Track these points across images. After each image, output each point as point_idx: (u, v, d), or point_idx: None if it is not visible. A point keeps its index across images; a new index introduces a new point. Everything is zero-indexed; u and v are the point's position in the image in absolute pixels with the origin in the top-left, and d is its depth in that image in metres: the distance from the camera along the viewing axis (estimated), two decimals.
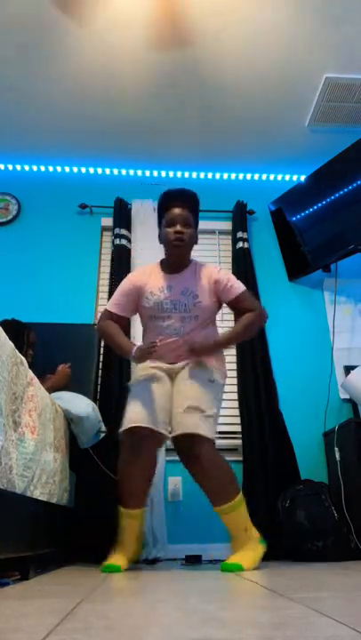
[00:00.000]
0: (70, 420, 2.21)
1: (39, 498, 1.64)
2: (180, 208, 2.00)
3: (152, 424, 1.81)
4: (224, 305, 2.10)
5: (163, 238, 2.05)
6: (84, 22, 2.47)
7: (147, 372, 1.96)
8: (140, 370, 2.00)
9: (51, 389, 2.14)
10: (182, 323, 1.98)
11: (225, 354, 2.10)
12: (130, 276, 2.16)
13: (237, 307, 2.03)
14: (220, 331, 2.18)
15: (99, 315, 3.12)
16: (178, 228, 1.99)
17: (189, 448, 1.79)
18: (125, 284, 2.10)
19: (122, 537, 1.85)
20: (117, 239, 3.19)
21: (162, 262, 2.12)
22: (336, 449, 2.59)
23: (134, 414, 1.84)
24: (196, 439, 1.77)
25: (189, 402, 1.82)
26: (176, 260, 2.06)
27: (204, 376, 1.91)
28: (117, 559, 1.79)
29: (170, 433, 1.86)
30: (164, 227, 2.03)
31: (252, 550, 1.78)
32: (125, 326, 2.15)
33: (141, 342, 2.06)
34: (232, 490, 1.81)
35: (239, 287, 2.03)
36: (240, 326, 1.99)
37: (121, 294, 2.07)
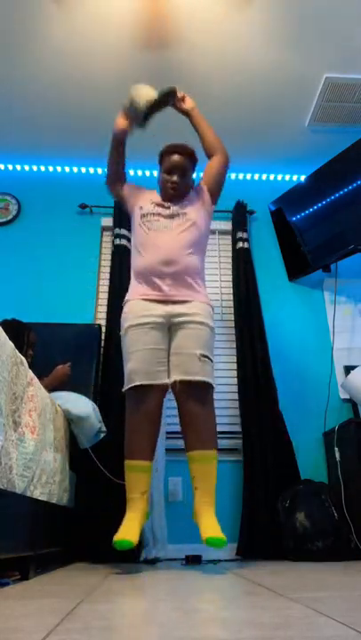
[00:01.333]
0: (70, 420, 2.22)
1: (39, 498, 1.64)
2: (179, 155, 2.16)
3: (152, 379, 1.88)
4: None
5: (159, 182, 2.22)
6: (74, 17, 2.47)
7: (140, 320, 1.97)
8: (133, 316, 2.00)
9: (45, 389, 2.14)
10: (172, 220, 2.10)
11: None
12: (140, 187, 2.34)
13: (207, 177, 2.27)
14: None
15: (99, 315, 3.14)
16: (174, 178, 2.15)
17: (199, 393, 1.88)
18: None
19: (130, 493, 1.84)
20: (117, 239, 3.19)
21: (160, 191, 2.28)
22: (336, 449, 2.59)
23: (134, 373, 1.90)
24: (207, 386, 1.90)
25: (202, 350, 1.92)
26: (173, 199, 2.20)
27: (210, 323, 2.00)
28: (129, 530, 1.71)
29: (172, 375, 1.90)
30: (163, 172, 2.19)
31: (215, 518, 1.77)
32: (121, 175, 2.30)
33: (132, 252, 2.18)
34: (216, 440, 1.90)
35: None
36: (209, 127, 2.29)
37: (138, 186, 2.31)
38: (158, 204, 2.16)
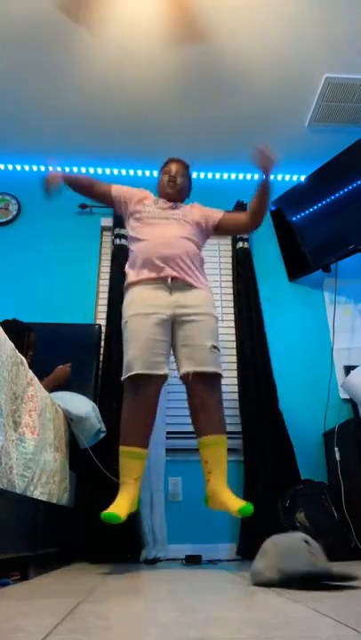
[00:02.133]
0: (70, 420, 2.21)
1: (39, 498, 1.64)
2: (175, 163, 2.34)
3: (151, 369, 1.90)
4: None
5: (158, 187, 2.33)
6: (93, 26, 2.47)
7: (145, 310, 1.99)
8: (137, 305, 2.02)
9: (45, 389, 2.14)
10: (167, 219, 2.17)
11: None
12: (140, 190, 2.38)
13: (230, 217, 2.34)
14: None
15: (99, 315, 3.14)
16: (173, 172, 2.29)
17: (210, 383, 1.95)
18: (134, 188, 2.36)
19: (123, 478, 1.87)
20: (117, 239, 3.19)
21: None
22: (336, 449, 2.59)
23: (134, 360, 1.91)
24: (218, 377, 1.97)
25: (212, 341, 1.98)
26: (169, 199, 2.28)
27: (214, 313, 2.07)
28: (118, 506, 1.75)
29: (184, 367, 1.95)
30: (162, 174, 2.33)
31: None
32: (95, 187, 2.35)
33: (130, 244, 2.20)
34: (226, 427, 1.97)
35: (220, 210, 2.34)
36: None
37: (128, 188, 2.35)
38: (155, 202, 2.25)
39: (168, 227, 2.14)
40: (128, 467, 1.87)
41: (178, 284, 2.03)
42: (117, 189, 2.32)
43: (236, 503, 1.74)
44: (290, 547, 1.22)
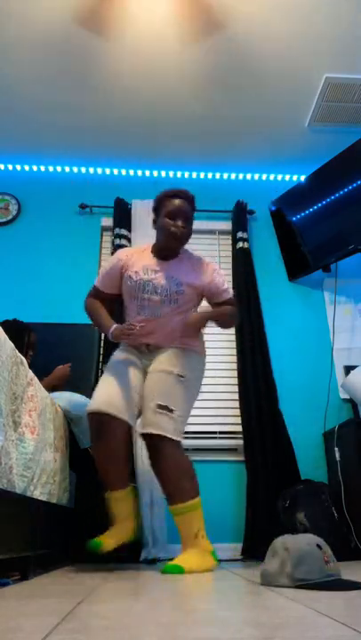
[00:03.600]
0: (70, 420, 2.22)
1: (39, 498, 1.64)
2: (182, 200, 1.99)
3: (116, 411, 1.81)
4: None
5: (159, 226, 2.01)
6: (110, 34, 2.47)
7: (122, 355, 2.00)
8: (117, 352, 2.06)
9: (45, 389, 2.14)
10: (161, 306, 1.97)
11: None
12: (119, 250, 2.19)
13: (220, 304, 2.06)
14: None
15: None
16: (180, 223, 1.97)
17: (155, 447, 1.82)
18: (113, 257, 2.13)
19: (113, 518, 1.84)
20: (117, 239, 3.19)
21: (153, 246, 2.10)
22: (336, 449, 2.59)
23: (100, 397, 1.85)
24: (163, 440, 1.79)
25: (160, 400, 1.83)
26: (168, 250, 2.05)
27: (174, 371, 1.90)
28: (104, 537, 1.76)
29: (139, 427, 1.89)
30: (164, 216, 1.98)
31: (198, 555, 1.74)
32: (112, 301, 2.16)
33: (125, 320, 2.09)
34: (189, 491, 1.81)
35: (229, 291, 2.07)
36: (228, 311, 2.02)
37: (106, 269, 2.10)
38: (143, 268, 2.00)
39: (161, 326, 1.98)
40: (114, 507, 1.84)
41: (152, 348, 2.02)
42: (110, 289, 2.10)
43: (175, 559, 1.71)
44: (303, 552, 1.21)
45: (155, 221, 2.06)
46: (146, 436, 1.84)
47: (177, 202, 1.98)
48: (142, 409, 1.89)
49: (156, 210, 2.05)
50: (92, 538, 1.78)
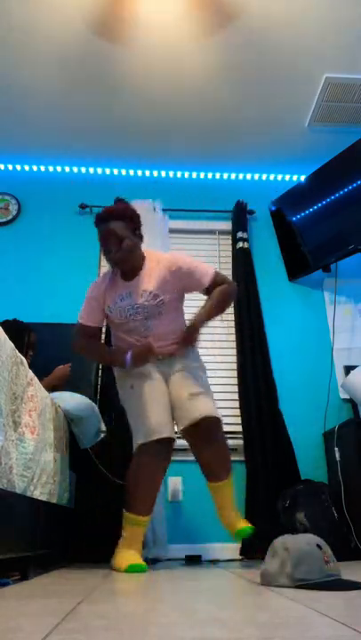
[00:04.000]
0: (70, 420, 2.21)
1: (39, 498, 1.64)
2: (106, 223, 1.94)
3: (172, 432, 1.88)
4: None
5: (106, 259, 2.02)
6: (123, 40, 2.46)
7: (143, 371, 1.96)
8: (133, 371, 1.98)
9: (45, 389, 2.14)
10: (147, 321, 1.98)
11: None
12: (90, 287, 2.09)
13: (208, 289, 2.01)
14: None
15: None
16: (111, 248, 1.93)
17: (207, 430, 1.90)
18: (88, 296, 2.06)
19: (125, 540, 1.84)
20: None
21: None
22: (336, 449, 2.59)
23: (157, 425, 1.86)
24: (215, 421, 1.91)
25: (195, 389, 1.94)
26: (128, 270, 2.01)
27: (189, 364, 2.02)
28: (139, 559, 1.78)
29: (182, 424, 1.93)
30: (100, 246, 1.98)
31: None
32: (100, 335, 2.17)
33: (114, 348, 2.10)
34: (228, 468, 2.00)
35: (208, 272, 1.99)
36: (216, 300, 1.97)
37: (89, 307, 2.05)
38: (120, 299, 1.98)
39: (143, 325, 1.98)
40: (134, 535, 1.85)
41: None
42: (97, 322, 2.07)
43: (241, 521, 1.94)
44: (303, 552, 1.21)
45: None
46: (199, 424, 1.88)
47: (101, 229, 1.95)
48: (177, 410, 1.95)
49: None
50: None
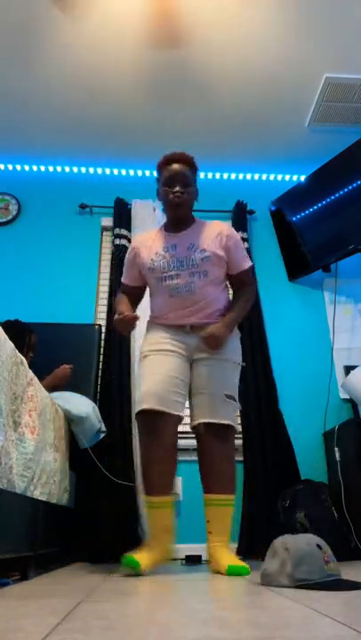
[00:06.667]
0: (70, 420, 2.22)
1: (39, 498, 1.64)
2: (178, 164, 1.93)
3: (165, 406, 1.75)
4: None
5: (161, 197, 1.98)
6: (80, 19, 2.46)
7: (161, 346, 1.88)
8: (153, 342, 1.91)
9: (45, 389, 2.14)
10: (192, 278, 1.89)
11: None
12: (133, 241, 2.14)
13: (237, 278, 2.01)
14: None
15: (99, 315, 3.14)
16: (177, 188, 1.91)
17: (219, 436, 1.80)
18: (130, 251, 2.07)
19: (150, 530, 1.77)
20: (117, 239, 3.19)
21: (164, 225, 2.06)
22: (336, 449, 2.59)
23: (148, 394, 1.77)
24: (230, 429, 1.83)
25: (227, 389, 1.85)
26: (178, 219, 1.99)
27: (233, 359, 1.92)
28: (141, 556, 1.64)
29: (195, 417, 1.84)
30: (163, 185, 1.94)
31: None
32: (140, 296, 2.10)
33: (150, 307, 2.04)
34: (233, 486, 1.84)
35: (248, 261, 2.02)
36: (243, 302, 1.97)
37: (128, 265, 2.06)
38: (159, 253, 1.94)
39: (190, 301, 1.89)
40: (153, 517, 1.76)
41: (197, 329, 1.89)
42: (136, 282, 2.05)
43: (225, 562, 1.63)
44: (303, 552, 1.21)
45: (158, 192, 2.00)
46: (212, 425, 1.80)
47: (172, 167, 1.93)
48: (198, 396, 1.85)
49: (158, 180, 2.00)
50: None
